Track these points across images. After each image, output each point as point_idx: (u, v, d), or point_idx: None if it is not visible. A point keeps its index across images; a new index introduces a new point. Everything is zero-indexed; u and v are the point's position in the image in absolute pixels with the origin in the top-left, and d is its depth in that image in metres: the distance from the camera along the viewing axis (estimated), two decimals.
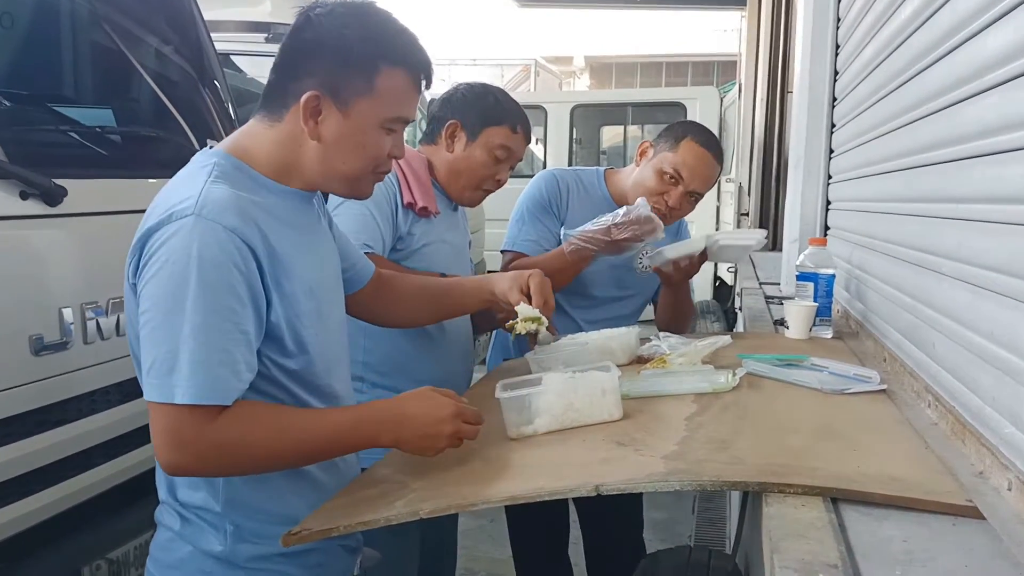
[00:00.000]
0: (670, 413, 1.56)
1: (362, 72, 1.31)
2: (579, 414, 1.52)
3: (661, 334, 2.08)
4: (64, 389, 2.20)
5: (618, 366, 1.97)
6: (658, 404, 1.62)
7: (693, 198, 2.33)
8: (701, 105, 7.57)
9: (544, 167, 8.05)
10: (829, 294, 2.32)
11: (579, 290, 2.39)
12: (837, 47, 3.07)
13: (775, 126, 7.19)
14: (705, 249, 2.30)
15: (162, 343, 1.18)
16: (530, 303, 1.72)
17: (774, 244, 6.71)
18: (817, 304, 2.27)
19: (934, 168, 1.57)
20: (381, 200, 1.92)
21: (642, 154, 2.39)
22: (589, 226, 2.17)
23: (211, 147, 1.39)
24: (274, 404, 1.33)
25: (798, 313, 2.25)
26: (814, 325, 2.27)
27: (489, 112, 2.06)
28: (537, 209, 2.39)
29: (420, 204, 1.98)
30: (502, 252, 2.41)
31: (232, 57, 4.65)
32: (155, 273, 1.20)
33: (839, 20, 3.06)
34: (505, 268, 2.30)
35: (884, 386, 1.67)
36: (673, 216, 2.33)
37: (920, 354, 1.65)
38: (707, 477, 1.17)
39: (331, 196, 1.78)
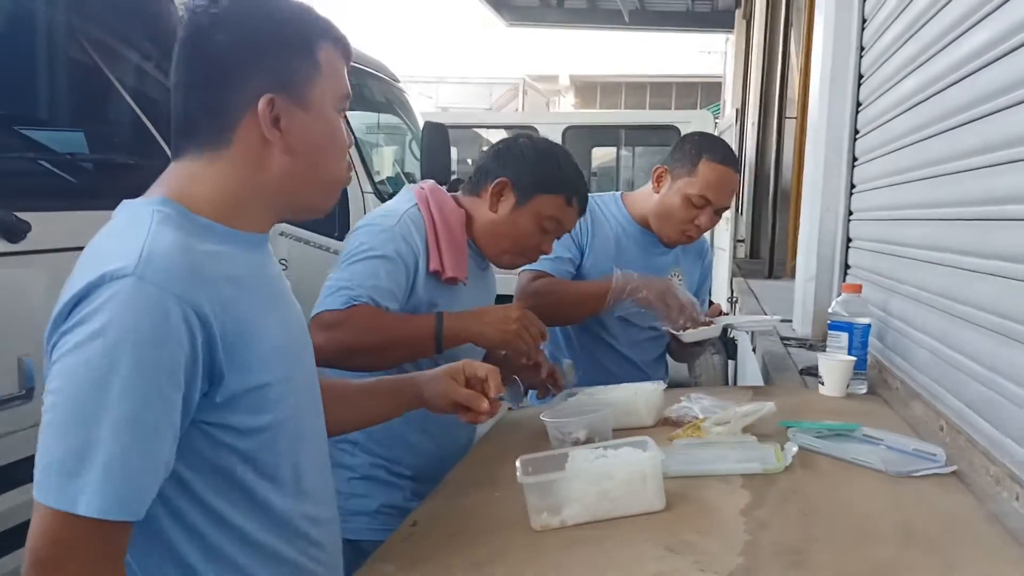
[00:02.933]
0: (720, 503, 1.35)
1: (305, 53, 1.10)
2: (615, 504, 1.31)
3: (692, 395, 1.88)
4: (27, 446, 1.99)
5: (645, 428, 1.80)
6: (702, 488, 1.42)
7: (721, 212, 2.34)
8: (695, 128, 7.40)
9: None
10: (864, 345, 2.14)
11: (613, 315, 2.34)
12: (860, 76, 2.91)
13: (769, 151, 7.09)
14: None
15: (71, 436, 0.92)
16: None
17: (770, 272, 6.60)
18: (855, 358, 2.09)
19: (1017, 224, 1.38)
20: (398, 262, 1.71)
21: (658, 179, 2.34)
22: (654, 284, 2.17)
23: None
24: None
25: (835, 369, 2.06)
26: (850, 380, 2.09)
27: (545, 177, 1.84)
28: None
29: (449, 274, 1.77)
30: (520, 272, 2.28)
31: None
32: (77, 346, 0.93)
33: (863, 48, 2.90)
34: (528, 287, 2.23)
35: (954, 467, 1.48)
36: (702, 234, 2.37)
37: (999, 435, 1.45)
38: None
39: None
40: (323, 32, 1.13)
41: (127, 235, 1.00)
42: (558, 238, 1.93)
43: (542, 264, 2.25)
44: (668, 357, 2.58)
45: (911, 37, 2.18)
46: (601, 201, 2.43)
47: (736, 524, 1.26)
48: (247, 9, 1.09)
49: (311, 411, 1.23)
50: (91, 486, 0.92)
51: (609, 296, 2.15)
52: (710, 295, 2.67)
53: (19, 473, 1.98)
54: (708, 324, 2.23)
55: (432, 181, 1.93)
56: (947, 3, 1.86)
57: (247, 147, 1.09)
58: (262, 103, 1.07)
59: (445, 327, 1.68)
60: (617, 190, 2.49)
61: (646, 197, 2.38)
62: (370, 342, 1.64)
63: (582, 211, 1.92)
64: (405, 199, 1.84)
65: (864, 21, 2.87)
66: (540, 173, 1.84)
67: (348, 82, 1.17)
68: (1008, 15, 1.49)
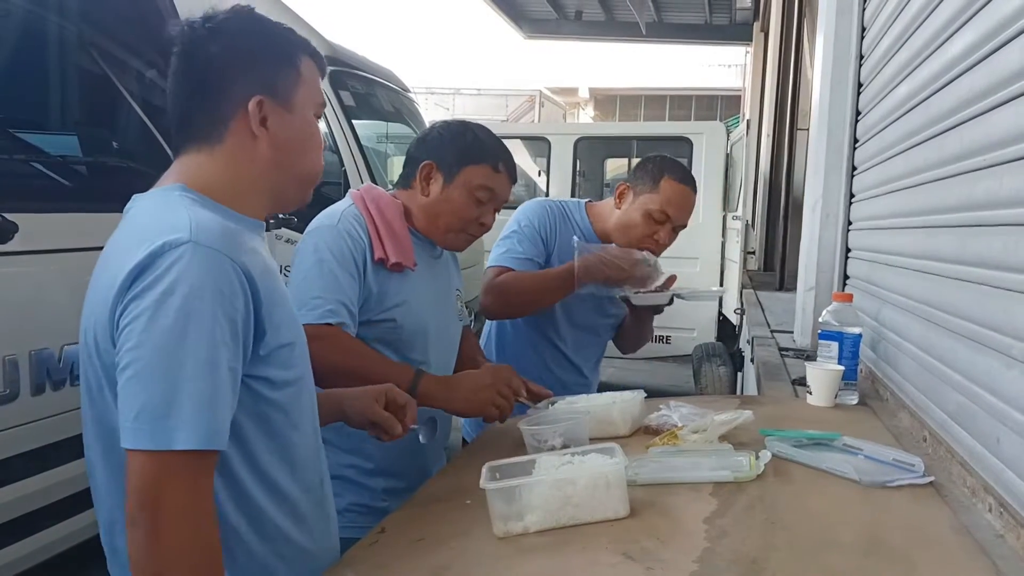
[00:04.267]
0: (685, 511, 1.33)
1: (289, 64, 1.26)
2: (578, 510, 1.30)
3: (672, 403, 1.86)
4: (10, 445, 2.00)
5: (621, 436, 1.78)
6: (670, 496, 1.39)
7: (679, 230, 2.37)
8: (707, 140, 7.37)
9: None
10: (855, 355, 2.10)
11: (564, 318, 2.40)
12: (860, 85, 2.88)
13: (782, 163, 7.05)
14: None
15: (158, 383, 1.04)
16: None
17: (781, 284, 6.54)
18: (843, 368, 2.05)
19: (1002, 230, 1.35)
20: (347, 257, 1.74)
21: (620, 196, 2.39)
22: (613, 249, 2.21)
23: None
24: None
25: (823, 378, 2.03)
26: (839, 390, 2.06)
27: (467, 150, 1.87)
28: (530, 233, 2.36)
29: (393, 259, 1.79)
30: (487, 270, 2.35)
31: None
32: (148, 307, 1.06)
33: (862, 57, 2.87)
34: (493, 283, 2.28)
35: (931, 478, 1.45)
36: (662, 250, 2.36)
37: (976, 444, 1.42)
38: None
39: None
40: (303, 48, 1.29)
41: (167, 213, 1.13)
42: (497, 209, 1.93)
43: (508, 262, 2.31)
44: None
45: (904, 43, 2.15)
46: (568, 207, 2.46)
47: (697, 532, 1.24)
48: (239, 25, 1.24)
49: (313, 382, 1.36)
50: (184, 423, 1.03)
51: (576, 281, 2.18)
52: None
53: (6, 472, 1.98)
54: (661, 291, 2.30)
55: (369, 183, 1.99)
56: (936, 7, 1.84)
57: (239, 141, 1.22)
58: (252, 104, 1.21)
59: (420, 386, 1.70)
60: (602, 200, 2.52)
61: (608, 212, 2.41)
62: (345, 365, 1.67)
63: (512, 177, 1.93)
64: (343, 201, 1.89)
65: (864, 29, 2.84)
66: (461, 147, 1.87)
67: (323, 93, 1.32)
68: (989, 16, 1.47)
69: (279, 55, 1.25)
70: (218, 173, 1.22)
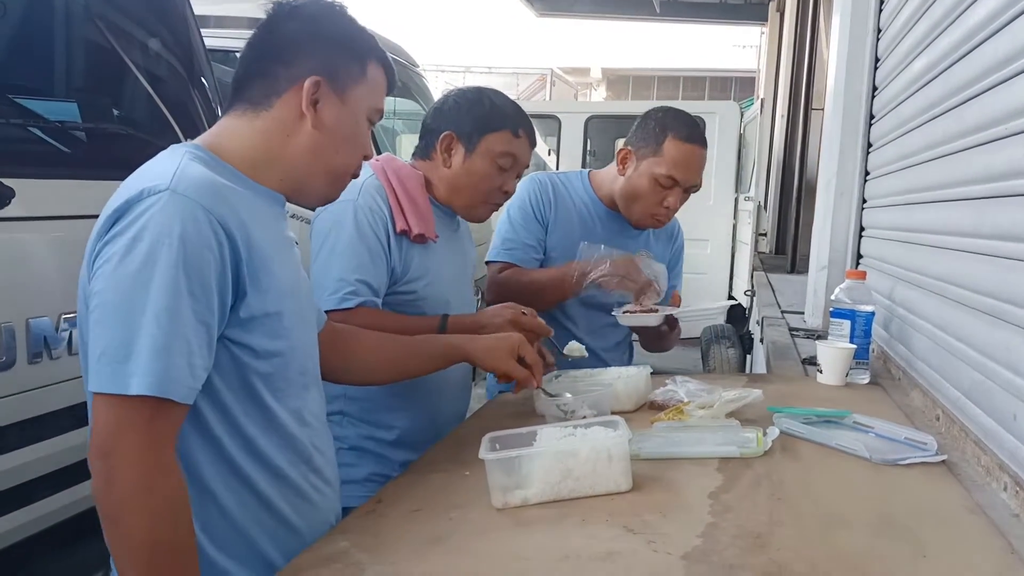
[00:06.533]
0: (690, 486, 1.29)
1: (358, 60, 1.29)
2: (579, 483, 1.26)
3: (678, 378, 1.82)
4: (6, 414, 1.97)
5: (626, 412, 1.75)
6: (675, 470, 1.36)
7: (691, 191, 2.21)
8: (721, 120, 7.27)
9: None
10: (867, 334, 2.06)
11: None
12: (876, 60, 2.82)
13: (796, 143, 6.97)
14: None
15: (118, 327, 1.05)
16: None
17: (792, 267, 6.48)
18: (855, 346, 2.01)
19: (1019, 200, 1.30)
20: (369, 233, 1.71)
21: (623, 161, 2.22)
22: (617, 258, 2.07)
23: None
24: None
25: (834, 356, 1.98)
26: (850, 368, 2.01)
27: (485, 118, 1.83)
28: (523, 215, 2.26)
29: (416, 231, 1.75)
30: (487, 263, 2.26)
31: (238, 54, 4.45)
32: (119, 251, 1.06)
33: (879, 31, 2.81)
34: (494, 279, 2.20)
35: (944, 456, 1.41)
36: (673, 214, 2.24)
37: (991, 423, 1.38)
38: None
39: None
40: (377, 55, 1.32)
41: (161, 164, 1.15)
42: (518, 176, 1.90)
43: (508, 255, 2.23)
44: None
45: (924, 13, 2.09)
46: (566, 179, 2.35)
47: (701, 506, 1.20)
48: (319, 11, 1.29)
49: (314, 363, 1.35)
50: (140, 368, 1.03)
51: (568, 288, 2.08)
52: (681, 281, 2.46)
53: (2, 441, 1.96)
54: (653, 311, 2.11)
55: (388, 153, 1.95)
56: None
57: (284, 113, 1.24)
58: (309, 82, 1.23)
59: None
60: (603, 168, 2.38)
61: (612, 179, 2.27)
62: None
63: (532, 140, 1.89)
64: (363, 172, 1.83)
65: (882, 2, 2.78)
66: (479, 115, 1.83)
67: (384, 103, 1.35)
68: None
69: (348, 48, 1.28)
70: (248, 139, 1.24)
